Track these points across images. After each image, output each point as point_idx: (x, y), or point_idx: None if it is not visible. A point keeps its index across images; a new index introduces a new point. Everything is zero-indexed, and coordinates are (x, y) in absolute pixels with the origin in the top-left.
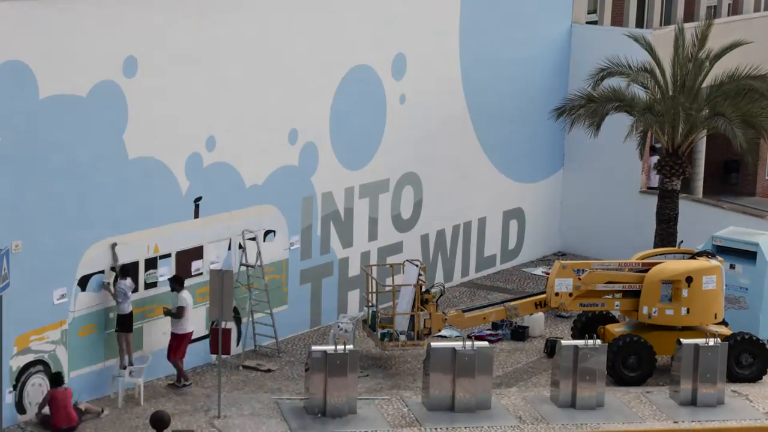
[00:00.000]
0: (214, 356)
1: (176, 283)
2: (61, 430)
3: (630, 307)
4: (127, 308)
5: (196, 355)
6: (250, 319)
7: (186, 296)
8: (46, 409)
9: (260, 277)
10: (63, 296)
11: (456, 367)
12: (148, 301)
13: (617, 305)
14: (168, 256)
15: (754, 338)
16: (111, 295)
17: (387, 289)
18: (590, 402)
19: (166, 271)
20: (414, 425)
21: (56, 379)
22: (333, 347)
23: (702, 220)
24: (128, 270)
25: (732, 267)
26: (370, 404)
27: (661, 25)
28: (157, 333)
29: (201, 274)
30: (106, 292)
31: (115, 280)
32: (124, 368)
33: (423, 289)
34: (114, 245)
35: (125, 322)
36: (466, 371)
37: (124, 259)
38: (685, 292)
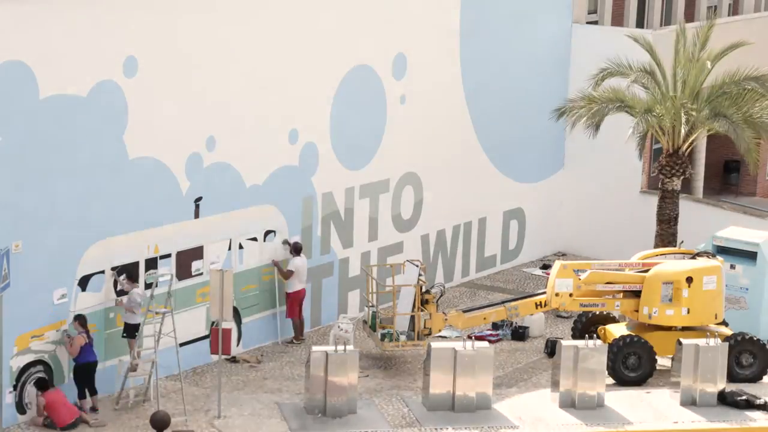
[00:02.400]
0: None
1: (294, 249)
2: (68, 427)
3: (630, 307)
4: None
5: (196, 354)
6: None
7: (297, 262)
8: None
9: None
10: (63, 296)
11: (456, 367)
12: (147, 302)
13: (617, 305)
14: (168, 256)
15: (755, 338)
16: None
17: (387, 289)
18: (590, 402)
19: (166, 270)
20: (414, 425)
21: (44, 385)
22: (333, 347)
23: (702, 221)
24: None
25: (732, 267)
26: (370, 404)
27: (661, 25)
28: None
29: (201, 274)
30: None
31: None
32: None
33: (423, 290)
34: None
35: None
36: (467, 371)
37: (124, 259)
38: (685, 293)
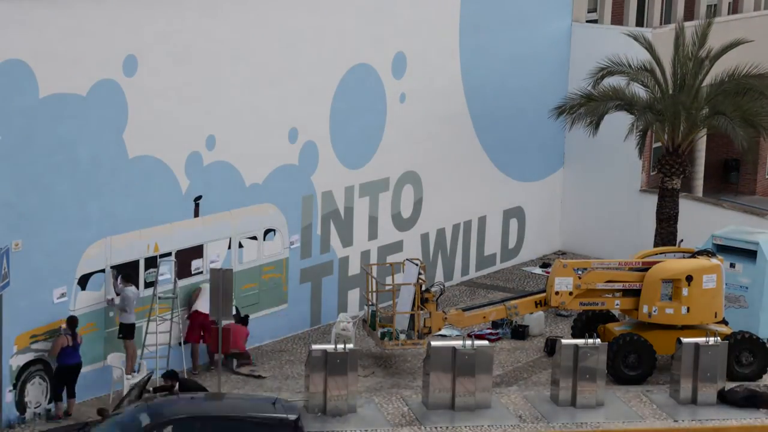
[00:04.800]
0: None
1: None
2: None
3: (630, 305)
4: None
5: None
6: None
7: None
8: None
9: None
10: (63, 295)
11: (456, 366)
12: (148, 300)
13: (617, 304)
14: (168, 255)
15: (754, 337)
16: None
17: (387, 288)
18: (590, 401)
19: (166, 270)
20: (414, 424)
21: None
22: (333, 346)
23: (702, 219)
24: (131, 276)
25: (732, 266)
26: (370, 403)
27: (661, 23)
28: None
29: (201, 273)
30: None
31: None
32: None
33: (423, 288)
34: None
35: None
36: (466, 370)
37: (123, 258)
38: (685, 291)
